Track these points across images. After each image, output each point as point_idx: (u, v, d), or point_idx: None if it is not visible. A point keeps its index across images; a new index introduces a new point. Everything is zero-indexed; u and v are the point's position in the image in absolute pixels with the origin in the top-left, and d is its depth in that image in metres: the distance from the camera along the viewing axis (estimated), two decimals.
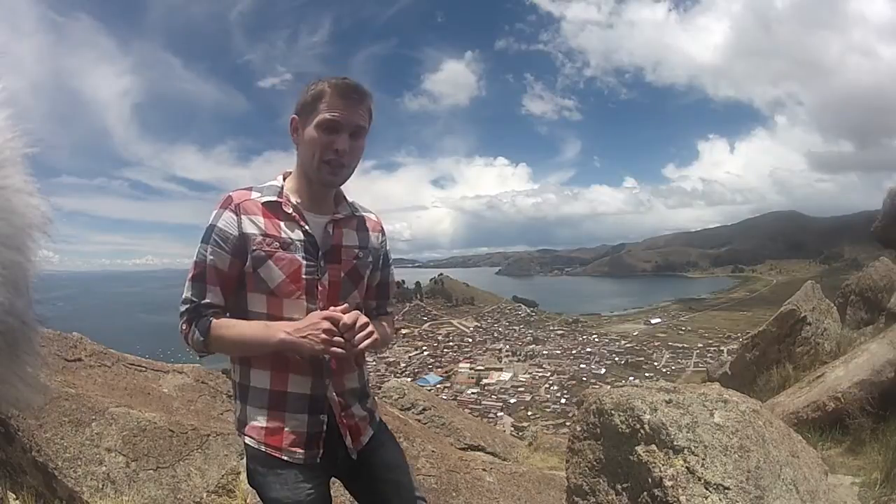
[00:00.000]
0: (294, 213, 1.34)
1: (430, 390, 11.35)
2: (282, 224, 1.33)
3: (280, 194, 1.36)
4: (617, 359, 68.78)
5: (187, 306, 1.32)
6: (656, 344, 75.11)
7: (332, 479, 1.47)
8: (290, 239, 1.32)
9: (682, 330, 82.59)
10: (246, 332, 1.30)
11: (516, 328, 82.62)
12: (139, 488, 2.47)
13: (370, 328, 1.30)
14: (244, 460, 1.54)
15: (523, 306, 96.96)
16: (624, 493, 1.80)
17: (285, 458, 1.33)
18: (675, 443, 1.66)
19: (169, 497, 2.53)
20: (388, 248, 1.56)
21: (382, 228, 1.54)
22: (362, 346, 1.28)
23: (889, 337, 3.53)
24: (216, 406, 3.58)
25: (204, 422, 3.15)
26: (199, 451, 2.81)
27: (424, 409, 4.54)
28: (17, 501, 1.35)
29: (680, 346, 72.78)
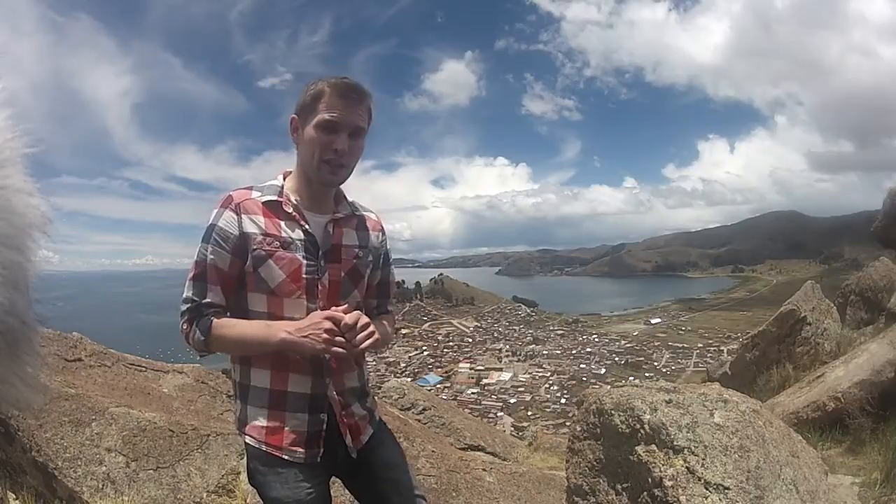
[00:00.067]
0: (294, 213, 1.35)
1: (430, 390, 11.35)
2: (282, 223, 1.33)
3: (280, 194, 1.36)
4: (617, 359, 68.77)
5: (188, 306, 1.32)
6: (656, 344, 75.11)
7: (333, 478, 1.47)
8: (291, 238, 1.32)
9: (682, 330, 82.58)
10: (247, 331, 1.30)
11: (516, 328, 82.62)
12: (139, 488, 2.47)
13: (371, 328, 1.30)
14: (244, 460, 1.54)
15: (523, 306, 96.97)
16: (624, 493, 1.80)
17: (286, 457, 1.33)
18: (675, 443, 1.66)
19: (169, 497, 2.53)
20: (388, 247, 1.56)
21: (382, 228, 1.54)
22: (363, 346, 1.28)
23: (889, 337, 3.53)
24: (216, 406, 3.58)
25: (204, 422, 3.15)
26: (199, 451, 2.81)
27: (424, 409, 4.54)
28: (17, 501, 1.35)
29: (680, 346, 72.78)
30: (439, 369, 63.00)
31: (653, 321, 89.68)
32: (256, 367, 1.35)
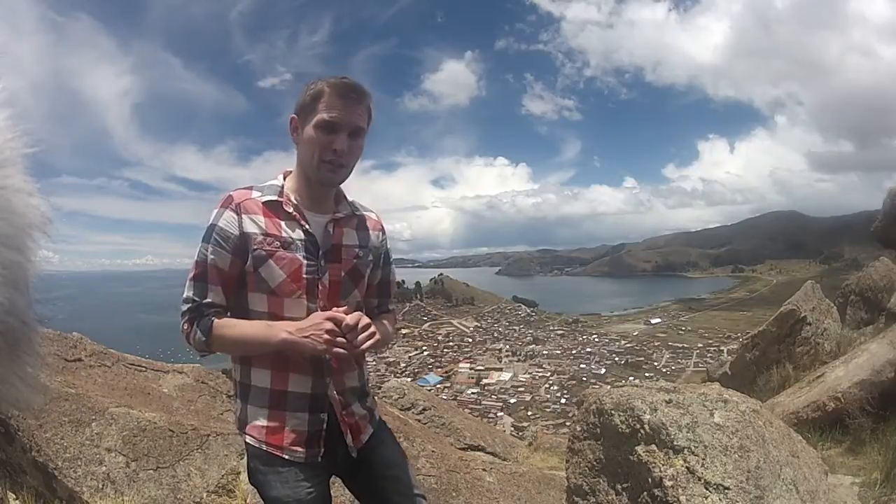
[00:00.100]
0: (295, 213, 1.35)
1: (430, 390, 11.35)
2: (282, 223, 1.33)
3: (281, 194, 1.36)
4: (617, 359, 68.78)
5: (189, 306, 1.32)
6: (656, 344, 75.11)
7: (333, 477, 1.47)
8: (291, 238, 1.32)
9: (682, 330, 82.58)
10: (248, 331, 1.31)
11: (516, 328, 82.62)
12: (139, 488, 2.47)
13: (372, 329, 1.30)
14: (244, 460, 1.54)
15: (523, 306, 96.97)
16: (624, 493, 1.80)
17: (286, 456, 1.33)
18: (675, 443, 1.66)
19: (169, 497, 2.53)
20: (388, 246, 1.56)
21: (382, 227, 1.54)
22: (364, 346, 1.29)
23: (889, 337, 3.53)
24: (216, 406, 3.58)
25: (204, 422, 3.15)
26: (199, 451, 2.81)
27: (424, 409, 4.54)
28: (17, 501, 1.35)
29: (680, 346, 72.78)
30: (439, 369, 63.00)
31: (653, 321, 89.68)
32: (257, 366, 1.36)
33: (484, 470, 3.58)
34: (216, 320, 1.31)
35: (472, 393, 54.41)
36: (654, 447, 1.71)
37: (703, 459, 1.60)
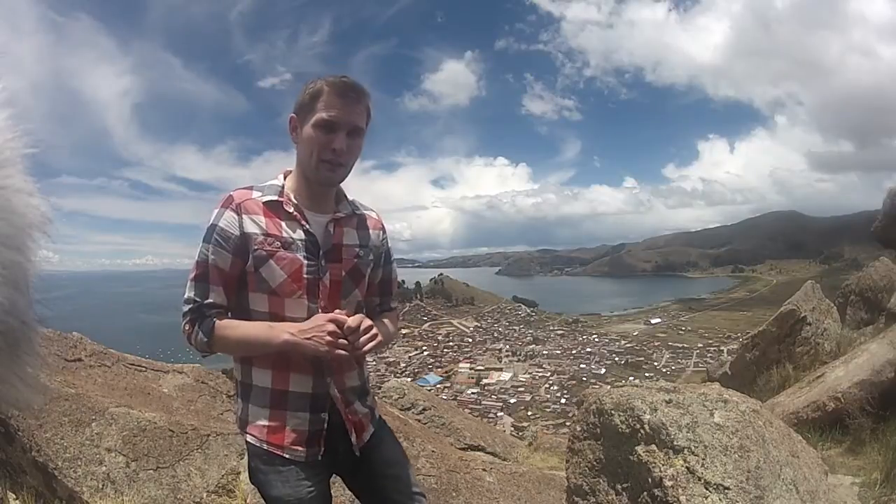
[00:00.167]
0: (295, 213, 1.34)
1: (430, 390, 11.35)
2: (283, 223, 1.33)
3: (281, 194, 1.36)
4: (617, 359, 68.78)
5: (190, 306, 1.32)
6: (656, 344, 75.12)
7: (333, 476, 1.47)
8: (292, 238, 1.32)
9: (682, 330, 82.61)
10: (250, 332, 1.31)
11: (516, 328, 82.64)
12: (139, 488, 2.47)
13: (374, 331, 1.31)
14: (244, 460, 1.54)
15: (523, 306, 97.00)
16: (624, 493, 1.80)
17: (287, 455, 1.33)
18: (675, 443, 1.66)
19: (169, 497, 2.53)
20: (389, 245, 1.56)
21: (383, 226, 1.54)
22: (366, 348, 1.30)
23: (889, 337, 3.53)
24: (216, 406, 3.58)
25: (204, 422, 3.15)
26: (199, 451, 2.81)
27: (424, 409, 4.54)
28: (17, 501, 1.35)
29: (680, 346, 72.79)
30: (439, 369, 63.00)
31: (653, 321, 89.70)
32: (258, 366, 1.36)
33: (484, 470, 3.58)
34: (218, 321, 1.31)
35: (472, 393, 54.41)
36: (654, 447, 1.71)
37: (703, 459, 1.60)
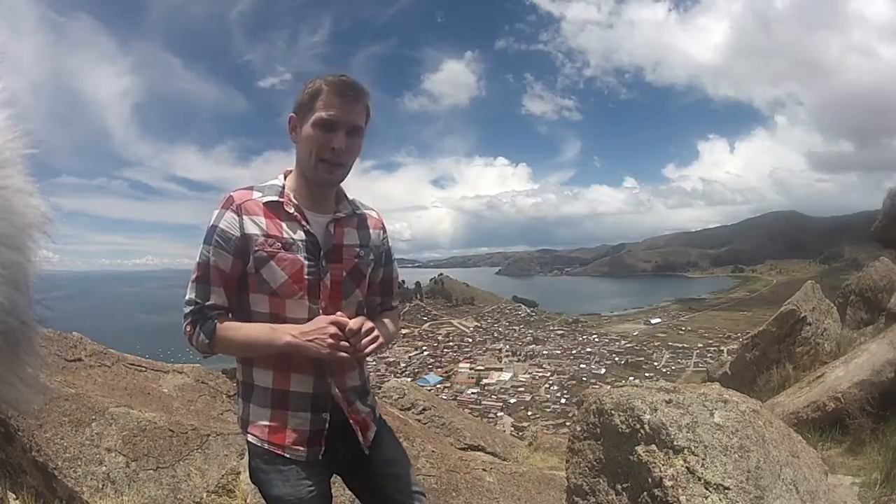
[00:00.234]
0: (296, 213, 1.34)
1: (430, 390, 11.35)
2: (283, 224, 1.33)
3: (281, 194, 1.36)
4: (617, 359, 68.78)
5: (191, 308, 1.32)
6: (656, 344, 75.12)
7: (333, 476, 1.47)
8: (292, 239, 1.32)
9: (682, 330, 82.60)
10: (251, 334, 1.31)
11: (516, 328, 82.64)
12: (139, 488, 2.47)
13: (375, 333, 1.31)
14: (244, 460, 1.54)
15: (523, 306, 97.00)
16: (624, 493, 1.80)
17: (287, 455, 1.34)
18: (675, 443, 1.66)
19: (169, 497, 2.53)
20: (389, 244, 1.56)
21: (383, 225, 1.54)
22: (367, 350, 1.30)
23: (889, 337, 3.53)
24: (216, 406, 3.58)
25: (204, 422, 3.15)
26: (199, 451, 2.81)
27: (424, 409, 4.54)
28: (17, 501, 1.35)
29: (680, 346, 72.79)
30: (439, 369, 62.99)
31: (653, 321, 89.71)
32: (259, 366, 1.36)
33: (484, 470, 3.58)
34: (219, 323, 1.31)
35: (472, 393, 54.41)
36: (654, 447, 1.71)
37: (703, 459, 1.60)
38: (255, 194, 1.35)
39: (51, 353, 3.03)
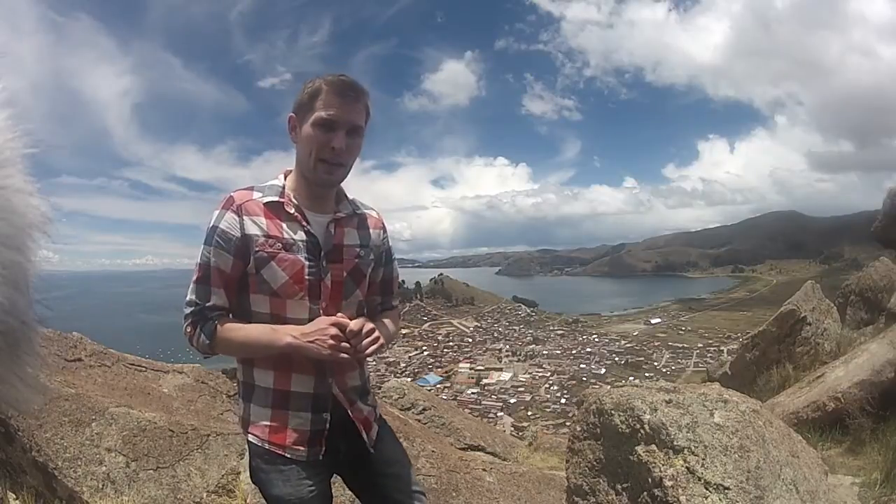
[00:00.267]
0: (296, 214, 1.34)
1: (430, 390, 11.35)
2: (284, 225, 1.33)
3: (282, 194, 1.36)
4: (617, 359, 68.77)
5: (192, 309, 1.32)
6: (656, 344, 75.12)
7: (333, 476, 1.48)
8: (293, 240, 1.32)
9: (682, 330, 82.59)
10: (252, 335, 1.31)
11: (516, 328, 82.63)
12: (139, 488, 2.47)
13: (376, 334, 1.31)
14: (244, 460, 1.55)
15: (523, 306, 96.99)
16: (624, 493, 1.80)
17: (288, 455, 1.34)
18: (675, 443, 1.66)
19: (169, 497, 2.53)
20: (390, 244, 1.56)
21: (384, 225, 1.54)
22: (368, 351, 1.30)
23: (889, 337, 3.53)
24: (216, 406, 3.58)
25: (204, 422, 3.15)
26: (199, 451, 2.81)
27: (424, 409, 4.54)
28: (17, 501, 1.35)
29: (680, 346, 72.78)
30: (439, 369, 62.99)
31: (653, 321, 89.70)
32: (259, 366, 1.36)
33: (484, 470, 3.58)
34: (220, 324, 1.31)
35: (472, 393, 54.40)
36: (654, 447, 1.71)
37: (703, 459, 1.60)
38: (256, 195, 1.35)
39: (51, 353, 3.03)
